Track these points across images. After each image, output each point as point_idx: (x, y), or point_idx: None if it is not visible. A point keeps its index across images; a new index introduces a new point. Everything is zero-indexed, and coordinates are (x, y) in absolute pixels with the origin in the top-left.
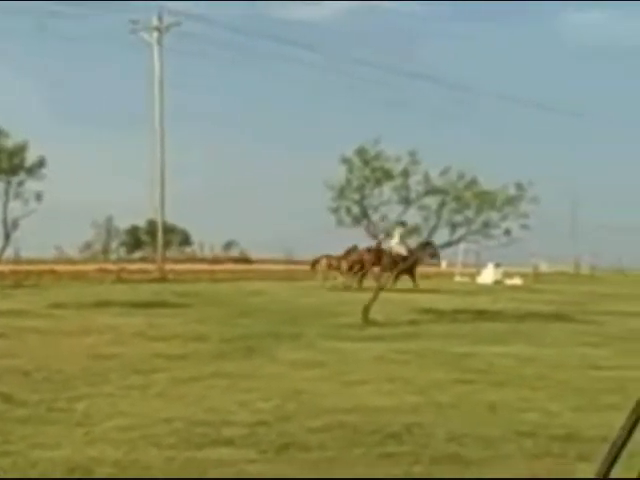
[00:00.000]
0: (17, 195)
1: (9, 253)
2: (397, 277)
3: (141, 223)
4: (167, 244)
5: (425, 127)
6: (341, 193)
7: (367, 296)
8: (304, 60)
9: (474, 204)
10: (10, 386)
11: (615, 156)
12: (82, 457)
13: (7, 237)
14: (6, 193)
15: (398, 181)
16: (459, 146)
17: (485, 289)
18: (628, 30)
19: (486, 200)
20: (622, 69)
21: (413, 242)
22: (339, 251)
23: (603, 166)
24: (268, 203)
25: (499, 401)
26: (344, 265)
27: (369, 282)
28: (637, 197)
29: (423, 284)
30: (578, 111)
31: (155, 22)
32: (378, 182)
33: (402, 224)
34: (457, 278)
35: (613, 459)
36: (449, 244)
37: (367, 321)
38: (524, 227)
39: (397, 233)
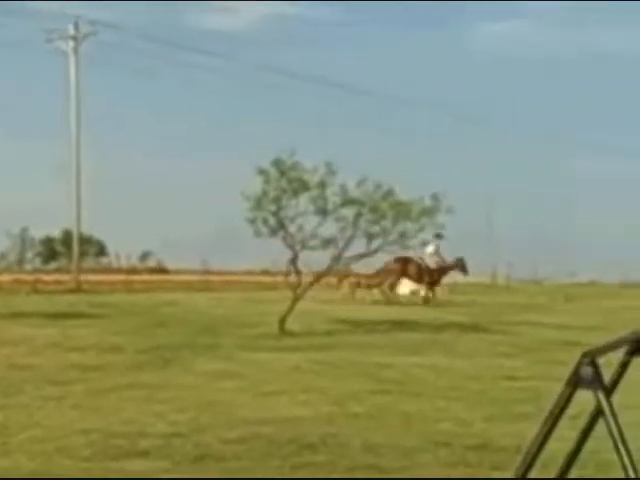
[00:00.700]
0: None
1: None
2: (430, 289)
3: (56, 234)
4: (83, 255)
5: (340, 136)
6: (258, 204)
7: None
8: (219, 69)
9: (390, 215)
10: None
11: (527, 165)
12: None
13: None
14: None
15: (315, 192)
16: (373, 155)
17: (402, 299)
18: (537, 41)
19: (402, 211)
20: (531, 77)
21: (329, 254)
22: (254, 262)
23: (516, 175)
24: (185, 213)
25: (415, 411)
26: (375, 282)
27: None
28: (551, 205)
29: (337, 295)
30: (488, 119)
31: (71, 31)
32: (295, 193)
33: (438, 236)
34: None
35: (527, 467)
36: (365, 255)
37: (284, 331)
38: (440, 238)
39: (432, 245)
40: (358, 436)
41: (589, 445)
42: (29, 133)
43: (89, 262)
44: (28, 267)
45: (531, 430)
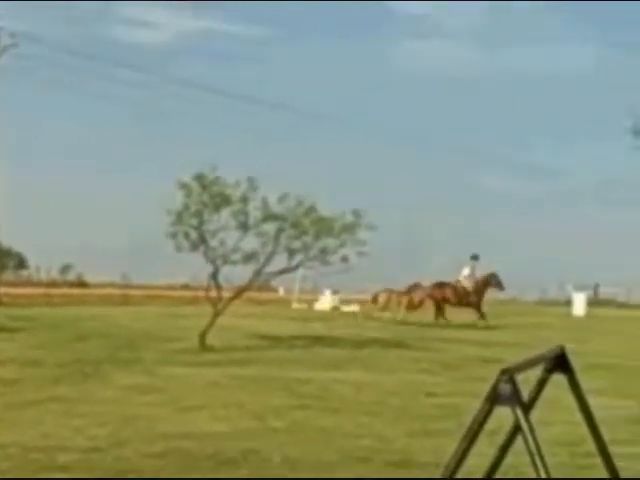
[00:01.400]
0: None
1: None
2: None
3: None
4: (2, 267)
5: (260, 151)
6: (179, 218)
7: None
8: (140, 83)
9: (312, 230)
10: None
11: (446, 181)
12: None
13: None
14: None
15: (236, 207)
16: (294, 171)
17: (322, 315)
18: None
19: (324, 227)
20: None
21: (251, 268)
22: (175, 276)
23: (437, 191)
24: (106, 227)
25: (335, 427)
26: (404, 300)
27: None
28: (470, 222)
29: (258, 310)
30: (407, 136)
31: None
32: (217, 207)
33: (475, 257)
34: (295, 304)
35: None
36: (286, 270)
37: (204, 346)
38: (361, 254)
39: (469, 267)
40: (278, 451)
41: (508, 460)
42: None
43: (8, 275)
44: None
45: (451, 446)
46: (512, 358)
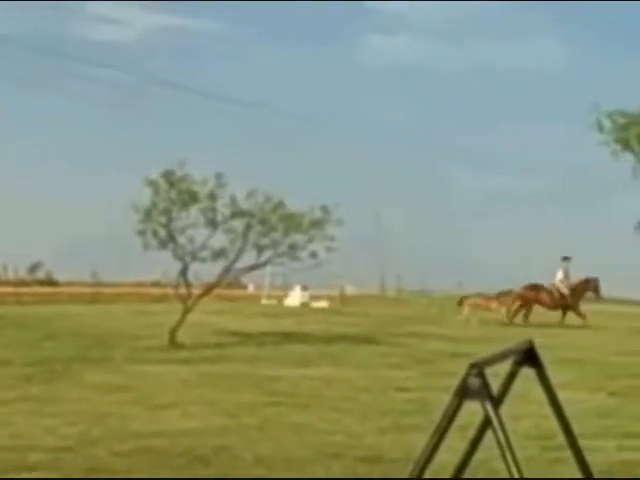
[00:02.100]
0: None
1: None
2: (564, 314)
3: None
4: None
5: (228, 148)
6: (147, 216)
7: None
8: (109, 80)
9: (280, 227)
10: None
11: (413, 176)
12: None
13: None
14: None
15: (204, 204)
16: (261, 167)
17: (292, 312)
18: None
19: (292, 223)
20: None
21: (220, 265)
22: (149, 274)
23: (403, 187)
24: (76, 225)
25: (306, 423)
26: (493, 305)
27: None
28: (437, 217)
29: (227, 307)
30: (375, 132)
31: None
32: (185, 205)
33: (566, 259)
34: (264, 301)
35: (417, 477)
36: (255, 267)
37: (174, 344)
38: (330, 250)
39: (561, 269)
40: (249, 448)
41: (479, 455)
42: None
43: None
44: None
45: (422, 441)
46: (482, 352)
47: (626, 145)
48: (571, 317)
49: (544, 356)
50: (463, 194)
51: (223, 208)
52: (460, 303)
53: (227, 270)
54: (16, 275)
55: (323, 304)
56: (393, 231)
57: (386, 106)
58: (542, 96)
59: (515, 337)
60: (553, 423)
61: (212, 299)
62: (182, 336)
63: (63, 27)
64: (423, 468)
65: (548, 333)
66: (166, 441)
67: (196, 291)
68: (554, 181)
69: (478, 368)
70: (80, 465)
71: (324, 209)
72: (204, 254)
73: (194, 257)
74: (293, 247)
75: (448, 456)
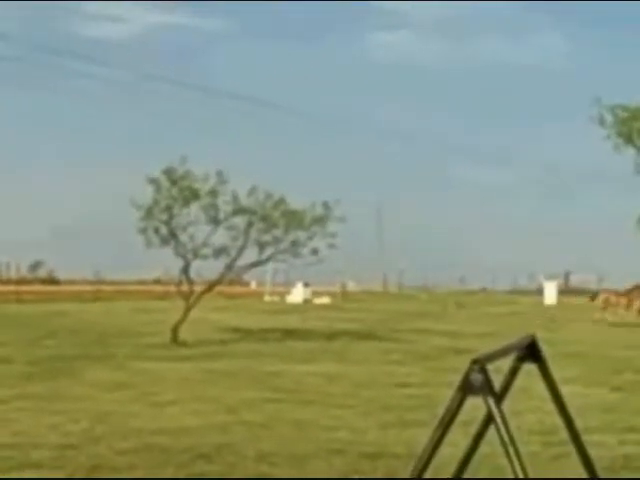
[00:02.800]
0: None
1: None
2: None
3: None
4: None
5: (229, 146)
6: (149, 213)
7: None
8: (106, 77)
9: (282, 223)
10: None
11: (412, 172)
12: None
13: None
14: None
15: (206, 201)
16: (263, 164)
17: (294, 308)
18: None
19: (294, 219)
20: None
21: (222, 262)
22: (151, 272)
23: (403, 183)
24: (77, 223)
25: (308, 419)
26: (623, 301)
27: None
28: (438, 213)
29: (231, 304)
30: (375, 128)
31: None
32: (186, 202)
33: None
34: (267, 298)
35: (420, 473)
36: (257, 264)
37: (176, 341)
38: (331, 246)
39: None
40: (252, 445)
41: (482, 449)
42: None
43: None
44: None
45: (425, 437)
46: (483, 348)
47: (628, 139)
48: None
49: None
50: (467, 190)
51: (224, 205)
52: (593, 299)
53: (229, 267)
54: (18, 273)
55: (325, 300)
56: (394, 228)
57: (388, 103)
58: (545, 93)
59: None
60: (556, 418)
61: (214, 296)
62: (184, 333)
63: (60, 24)
64: (427, 462)
65: None
66: (168, 438)
67: (198, 288)
68: (563, 177)
69: (480, 364)
70: (83, 463)
71: (325, 206)
72: (206, 251)
73: (196, 254)
74: (295, 244)
75: (452, 450)
